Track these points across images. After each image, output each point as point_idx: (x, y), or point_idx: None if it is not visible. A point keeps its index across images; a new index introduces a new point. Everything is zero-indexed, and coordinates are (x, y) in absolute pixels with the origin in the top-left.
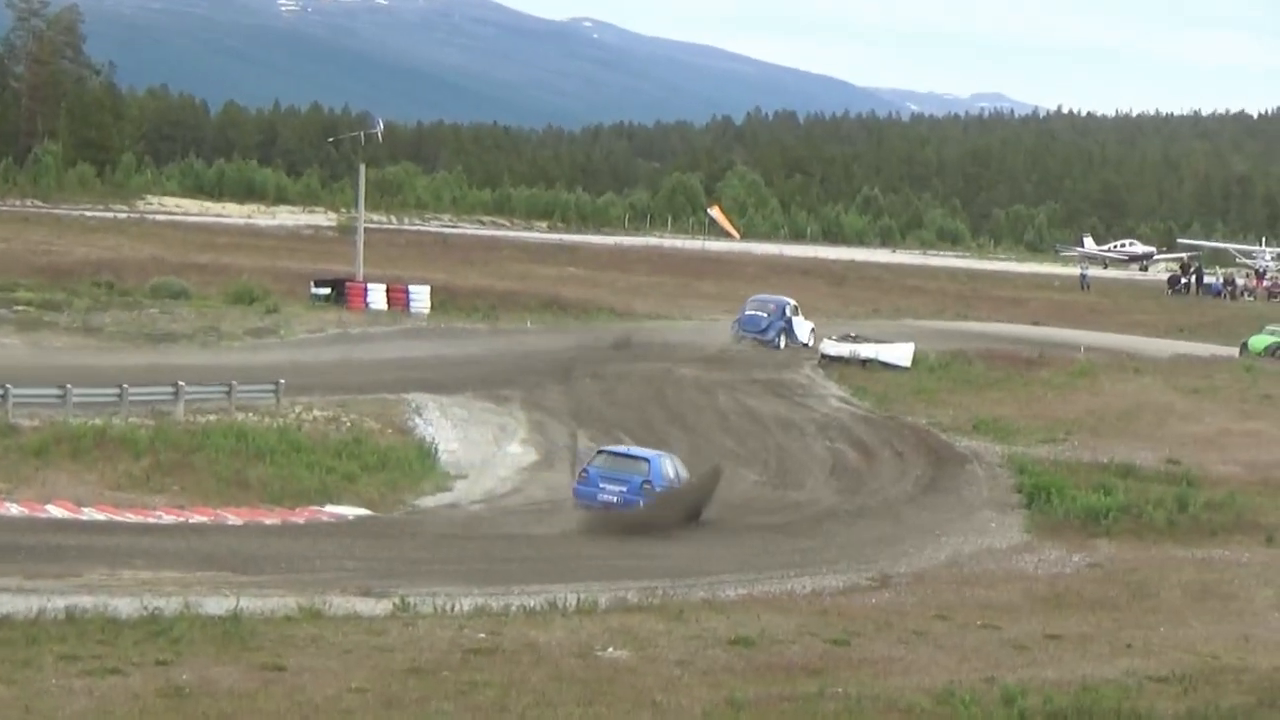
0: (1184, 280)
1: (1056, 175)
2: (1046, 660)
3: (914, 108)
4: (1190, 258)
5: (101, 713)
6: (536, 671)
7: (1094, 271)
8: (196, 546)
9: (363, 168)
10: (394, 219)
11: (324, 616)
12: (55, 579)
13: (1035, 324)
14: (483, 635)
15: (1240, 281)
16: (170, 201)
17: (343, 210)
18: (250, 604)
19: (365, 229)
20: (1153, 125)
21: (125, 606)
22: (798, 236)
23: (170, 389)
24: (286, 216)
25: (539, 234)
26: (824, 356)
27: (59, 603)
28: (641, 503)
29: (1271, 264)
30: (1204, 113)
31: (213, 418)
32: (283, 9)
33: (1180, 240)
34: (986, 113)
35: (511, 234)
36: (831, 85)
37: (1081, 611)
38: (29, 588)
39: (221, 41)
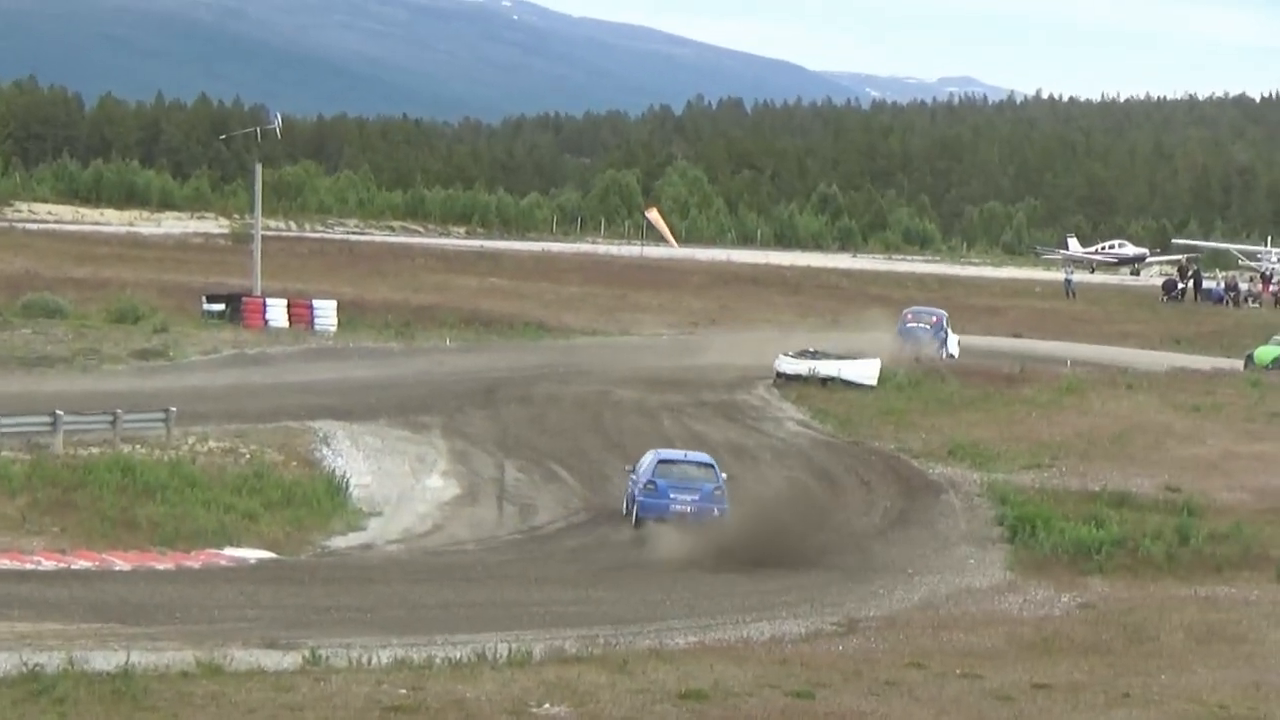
0: (1181, 285)
1: (1036, 168)
2: (1034, 712)
3: (875, 94)
4: (1188, 260)
5: None
6: None
7: (1080, 276)
8: (80, 595)
9: (258, 168)
10: (294, 225)
11: (225, 672)
12: None
13: (1016, 336)
14: (403, 691)
15: (1244, 286)
16: (42, 208)
17: (236, 216)
18: (142, 659)
19: (262, 237)
20: (1143, 111)
21: (2, 663)
22: (747, 240)
23: (47, 419)
24: (173, 224)
25: (457, 240)
26: (779, 375)
27: None
28: (717, 511)
29: (1278, 266)
30: (1200, 97)
31: (96, 451)
32: None
33: (1176, 240)
34: (956, 99)
35: (426, 241)
36: (782, 70)
37: (1072, 657)
38: None
39: (96, 28)
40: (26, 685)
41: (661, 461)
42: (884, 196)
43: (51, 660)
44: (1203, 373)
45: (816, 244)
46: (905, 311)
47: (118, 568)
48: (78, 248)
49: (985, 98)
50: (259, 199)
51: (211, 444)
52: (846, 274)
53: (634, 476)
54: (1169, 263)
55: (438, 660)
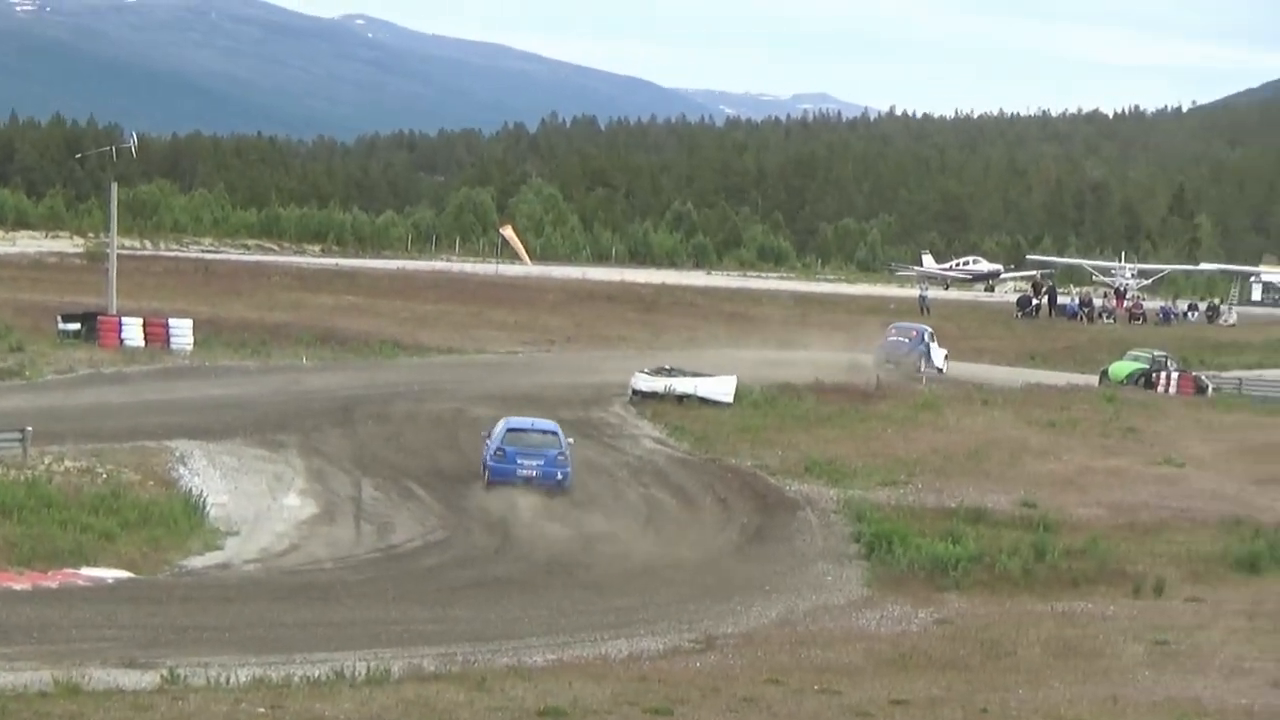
0: (1035, 301)
1: (890, 184)
2: None
3: (729, 111)
4: (1042, 276)
5: None
6: None
7: (934, 293)
8: None
9: (114, 186)
10: (149, 244)
11: (83, 692)
12: None
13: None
14: (262, 710)
15: (1098, 302)
16: None
17: (91, 235)
18: None
19: (118, 256)
20: (996, 127)
21: None
22: (601, 258)
23: None
24: (27, 243)
25: (312, 259)
26: (635, 392)
27: None
28: (560, 475)
29: (1132, 282)
30: (1053, 113)
31: None
32: (17, 8)
33: (1030, 256)
34: (810, 115)
35: (281, 259)
36: (635, 86)
37: (930, 673)
38: None
39: None
40: None
41: (510, 430)
42: (738, 214)
43: None
44: (1058, 388)
45: (671, 261)
46: (889, 326)
47: None
48: None
49: (840, 114)
50: (114, 218)
51: (68, 463)
52: (702, 291)
53: (488, 442)
54: (1023, 279)
55: (296, 679)
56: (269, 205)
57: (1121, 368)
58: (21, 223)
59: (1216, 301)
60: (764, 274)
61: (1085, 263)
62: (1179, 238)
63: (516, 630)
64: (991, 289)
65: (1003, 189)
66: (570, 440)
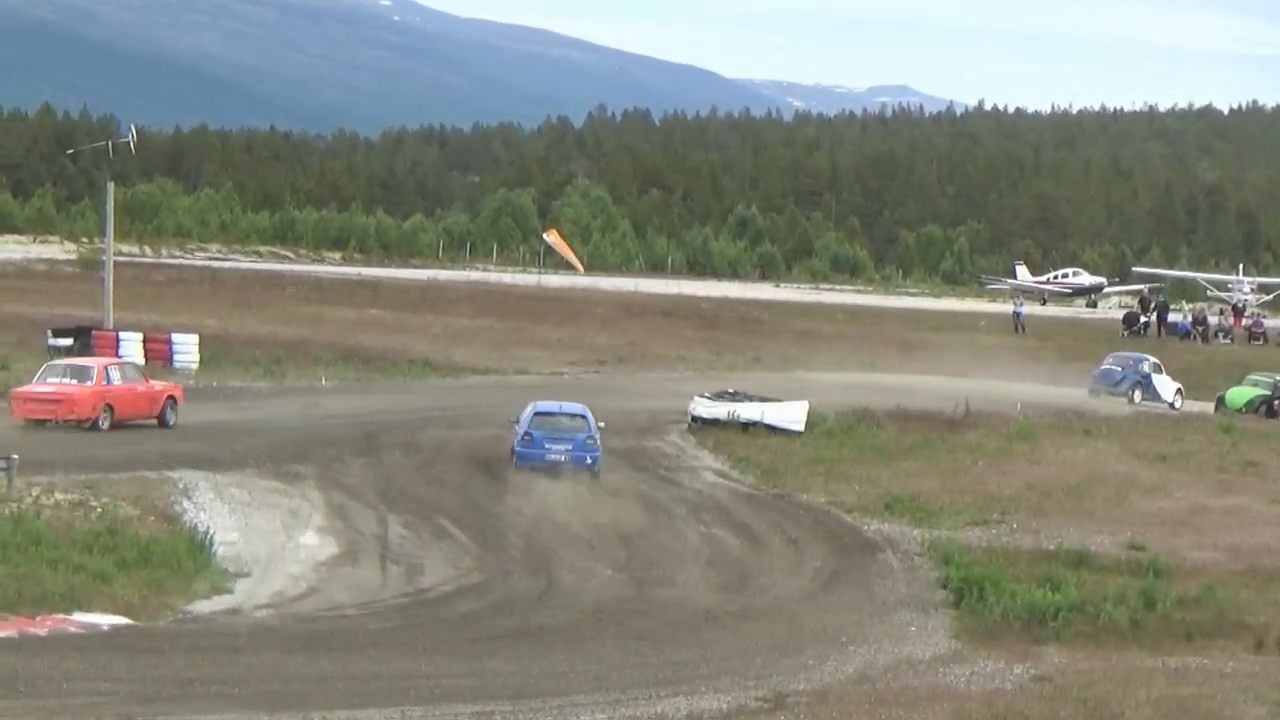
0: (1143, 318)
1: (979, 187)
2: None
3: (798, 104)
4: (1150, 290)
5: None
6: None
7: (1030, 308)
8: None
9: (110, 186)
10: (150, 250)
11: None
12: None
13: (959, 375)
14: None
15: (1213, 319)
16: None
17: (85, 240)
18: None
19: (115, 263)
20: (1098, 124)
21: None
22: (656, 268)
23: None
24: (14, 248)
25: (332, 267)
26: (694, 419)
27: None
28: (589, 459)
29: (1251, 297)
30: (1160, 108)
31: None
32: None
33: (1136, 269)
34: (890, 110)
35: (297, 268)
36: (694, 77)
37: None
38: None
39: None
40: None
41: (538, 414)
42: (809, 219)
43: None
44: (1169, 417)
45: (734, 272)
46: (1108, 356)
47: None
48: None
49: (922, 108)
50: (110, 221)
51: (58, 496)
52: (769, 306)
53: (516, 427)
54: (1129, 293)
55: None
56: (283, 207)
57: (1240, 394)
58: (7, 226)
59: None
60: (838, 286)
61: (1198, 276)
62: None
63: (561, 686)
64: (1093, 305)
65: (1105, 193)
66: (601, 424)
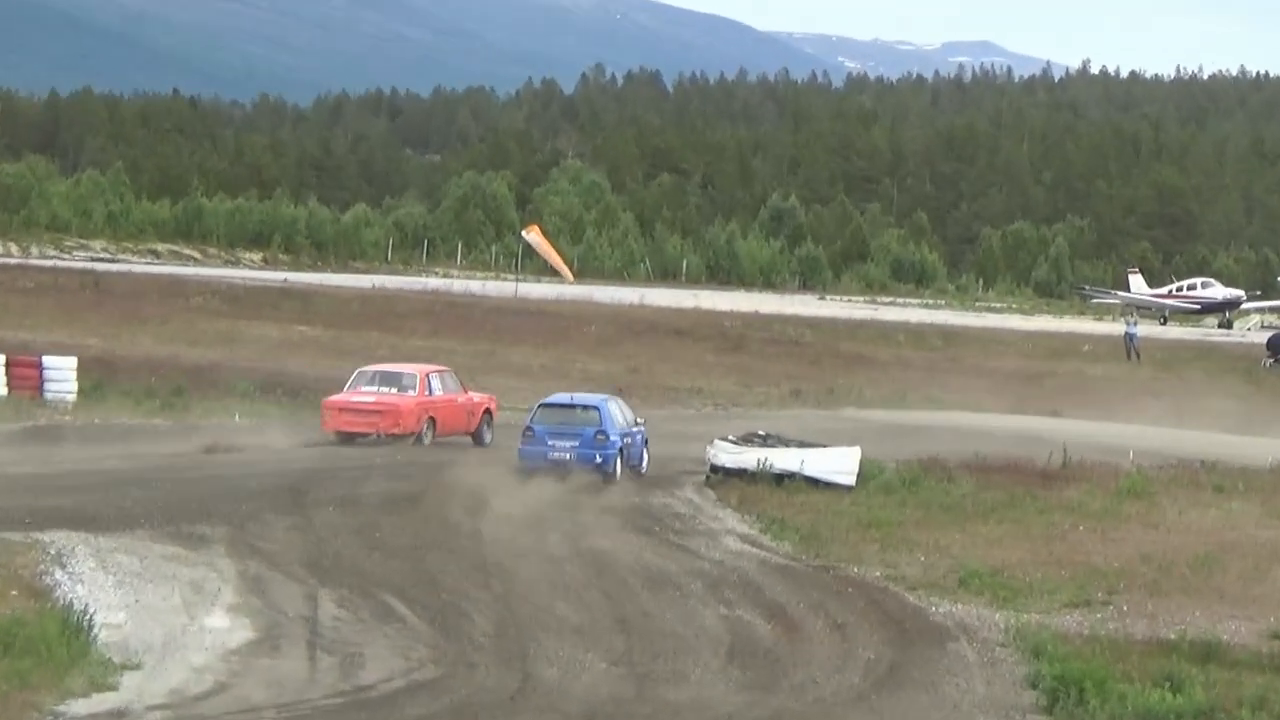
0: None
1: (1082, 173)
2: None
3: (852, 65)
4: None
5: None
6: None
7: (1147, 329)
8: None
9: None
10: (16, 248)
11: None
12: None
13: (1054, 414)
14: None
15: None
16: None
17: None
18: None
19: None
20: (1234, 94)
21: None
22: (667, 275)
23: None
24: None
25: (250, 271)
26: (714, 469)
27: None
28: (599, 458)
29: None
30: None
31: None
32: None
33: None
34: (969, 73)
35: (206, 272)
36: (719, 29)
37: None
38: None
39: None
40: None
41: (543, 406)
42: (864, 213)
43: None
44: None
45: (767, 281)
46: None
47: None
48: None
49: (1009, 71)
50: None
51: None
52: (812, 324)
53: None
54: (1275, 311)
55: None
56: (188, 194)
57: None
58: None
59: None
60: (900, 300)
61: None
62: None
63: None
64: (1228, 324)
65: (1244, 181)
66: (641, 422)
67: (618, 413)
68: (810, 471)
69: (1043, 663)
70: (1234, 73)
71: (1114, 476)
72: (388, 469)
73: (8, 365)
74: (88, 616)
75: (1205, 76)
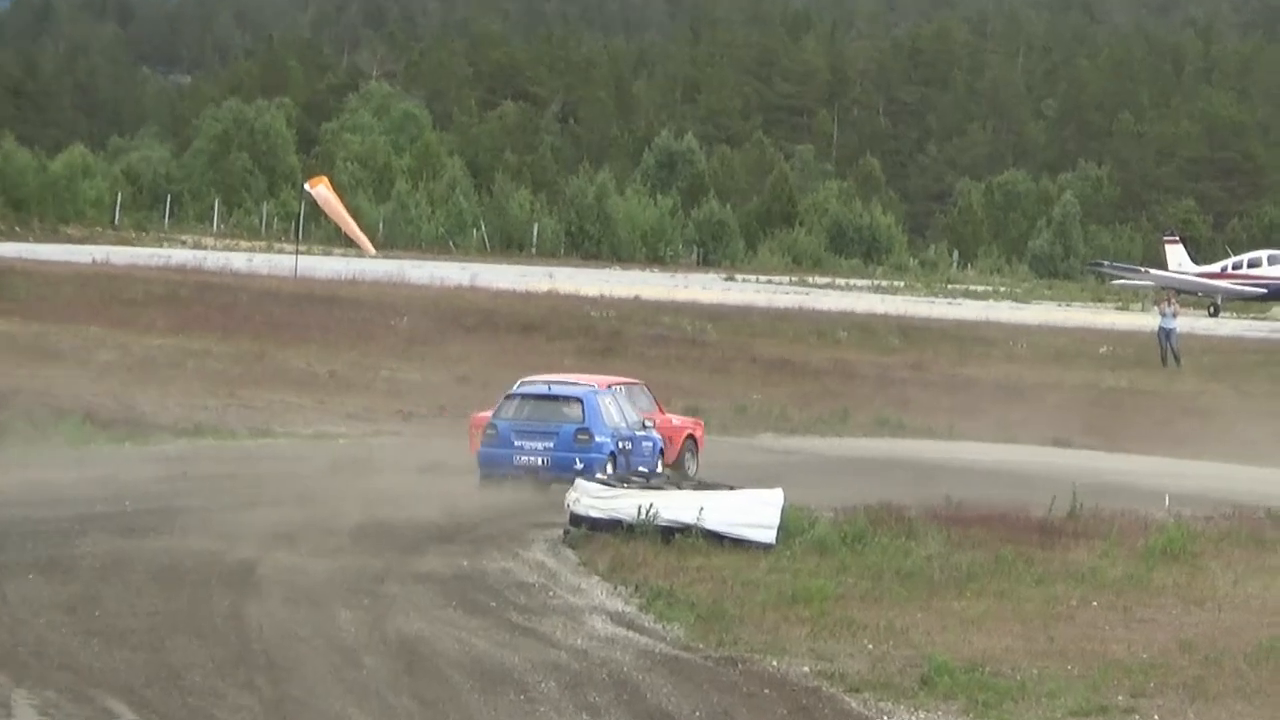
0: None
1: (1102, 103)
2: None
3: None
4: None
5: None
6: None
7: (1190, 322)
8: None
9: None
10: None
11: None
12: None
13: (1057, 443)
14: None
15: None
16: None
17: None
18: None
19: None
20: None
21: None
22: (511, 245)
23: None
24: None
25: None
26: (576, 520)
27: None
28: (580, 463)
29: None
30: None
31: None
32: None
33: None
34: None
35: None
36: None
37: None
38: None
39: None
40: None
41: (509, 396)
42: (791, 158)
43: None
44: None
45: (654, 254)
46: None
47: None
48: None
49: None
50: None
51: None
52: (715, 315)
53: None
54: None
55: None
56: None
57: None
58: None
59: None
60: (842, 280)
61: None
62: None
63: None
64: None
65: None
66: (649, 423)
67: (612, 408)
68: (713, 524)
69: None
70: None
71: (1142, 531)
72: (116, 521)
73: None
74: None
75: None
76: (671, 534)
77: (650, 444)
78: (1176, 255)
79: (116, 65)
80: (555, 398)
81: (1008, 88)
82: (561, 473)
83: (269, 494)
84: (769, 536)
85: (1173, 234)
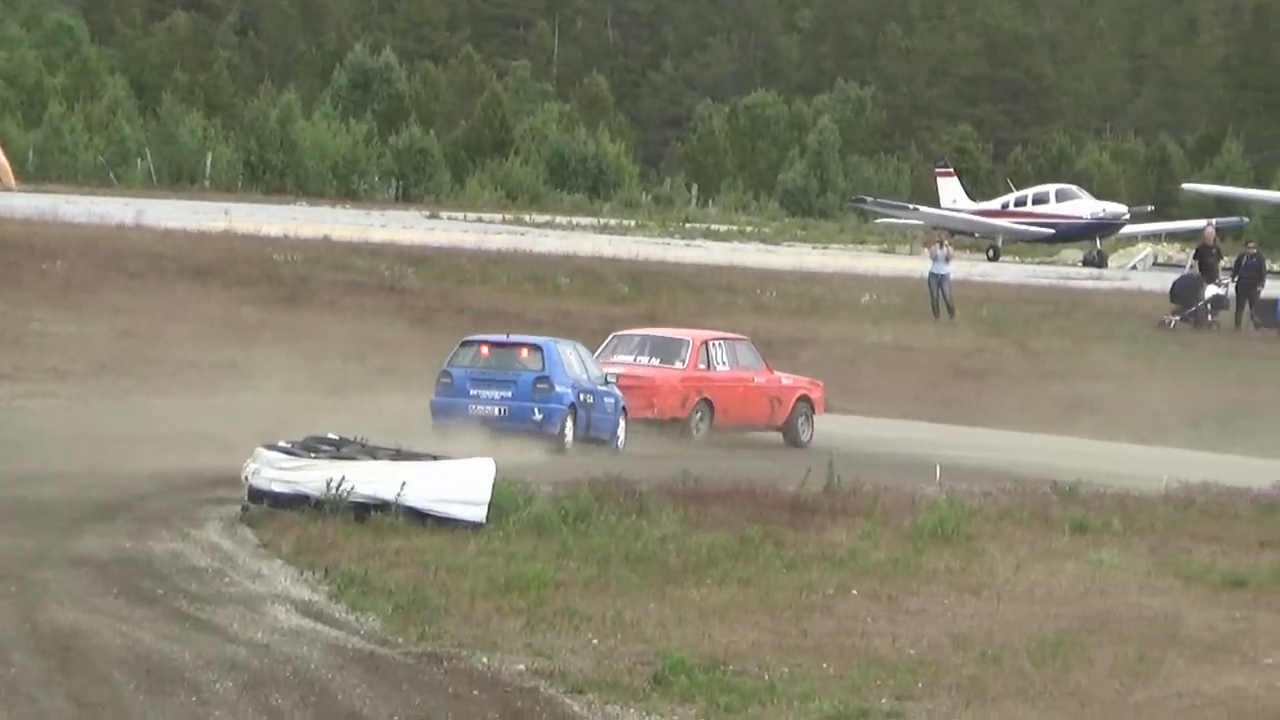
0: (1219, 290)
1: (863, 15)
2: None
3: None
4: (1216, 229)
5: None
6: None
7: (966, 267)
8: None
9: None
10: None
11: None
12: None
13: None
14: None
15: None
16: None
17: None
18: None
19: None
20: None
21: None
22: (181, 177)
23: None
24: None
25: None
26: (256, 495)
27: None
28: (538, 413)
29: None
30: None
31: None
32: None
33: (1191, 186)
34: None
35: None
36: None
37: None
38: None
39: None
40: None
41: (465, 343)
42: (505, 76)
43: None
44: (1261, 495)
45: (346, 187)
46: None
47: None
48: None
49: None
50: None
51: None
52: (418, 258)
53: None
54: (1180, 236)
55: None
56: None
57: None
58: None
59: None
60: (566, 219)
61: None
62: None
63: None
64: (1099, 261)
65: (1129, 28)
66: (612, 378)
67: (573, 359)
68: (415, 500)
69: None
70: None
71: (909, 509)
72: None
73: None
74: None
75: None
76: (367, 511)
77: (612, 400)
78: (950, 190)
79: None
80: (514, 345)
81: None
82: (519, 423)
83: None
84: (479, 514)
85: (946, 165)
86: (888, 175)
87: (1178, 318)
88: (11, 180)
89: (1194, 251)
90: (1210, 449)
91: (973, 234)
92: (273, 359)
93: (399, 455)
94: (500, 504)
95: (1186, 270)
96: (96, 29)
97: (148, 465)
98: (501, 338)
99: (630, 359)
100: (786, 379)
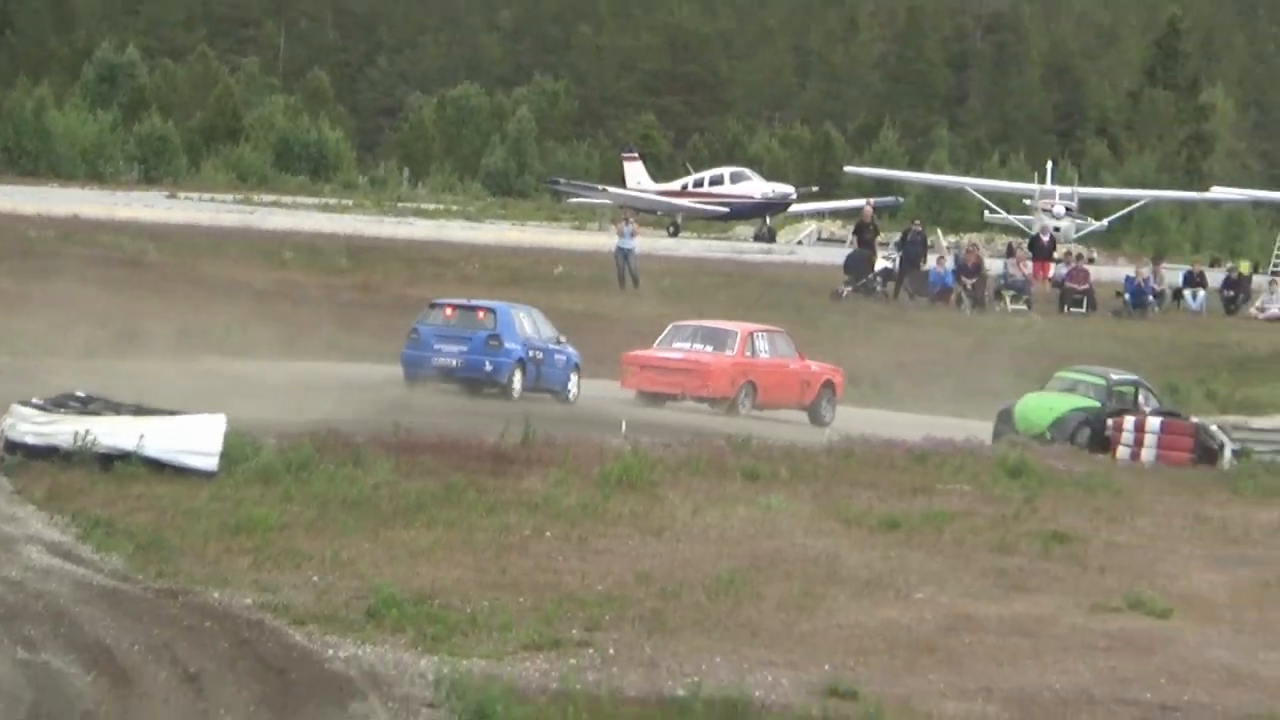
0: (888, 263)
1: (558, 14)
2: None
3: None
4: (875, 207)
5: None
6: None
7: (649, 243)
8: None
9: None
10: None
11: None
12: None
13: None
14: None
15: (996, 265)
16: None
17: None
18: None
19: None
20: None
21: None
22: None
23: None
24: None
25: None
26: (11, 446)
27: None
28: (489, 365)
29: (1065, 224)
30: None
31: None
32: None
33: (852, 169)
34: None
35: None
36: None
37: None
38: None
39: None
40: None
41: (433, 305)
42: (237, 72)
43: None
44: (906, 447)
45: (94, 170)
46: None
47: None
48: None
49: None
50: None
51: None
52: (157, 234)
53: None
54: (842, 215)
55: None
56: None
57: (1043, 405)
58: None
59: (1244, 270)
60: (291, 199)
61: (967, 183)
62: (1173, 127)
63: None
64: (769, 236)
65: (796, 27)
66: (562, 339)
67: (525, 321)
68: (153, 450)
69: None
70: None
71: (598, 459)
72: None
73: None
74: None
75: None
76: (111, 461)
77: (564, 358)
78: (635, 173)
79: None
80: (473, 307)
81: (459, 3)
82: (472, 374)
83: None
84: (211, 464)
85: (632, 150)
86: (580, 159)
87: (850, 288)
88: None
89: (854, 228)
90: (867, 405)
91: (655, 212)
92: (29, 326)
93: (140, 411)
94: (231, 454)
95: (849, 245)
96: None
97: None
98: (463, 301)
99: (686, 346)
100: (815, 366)
